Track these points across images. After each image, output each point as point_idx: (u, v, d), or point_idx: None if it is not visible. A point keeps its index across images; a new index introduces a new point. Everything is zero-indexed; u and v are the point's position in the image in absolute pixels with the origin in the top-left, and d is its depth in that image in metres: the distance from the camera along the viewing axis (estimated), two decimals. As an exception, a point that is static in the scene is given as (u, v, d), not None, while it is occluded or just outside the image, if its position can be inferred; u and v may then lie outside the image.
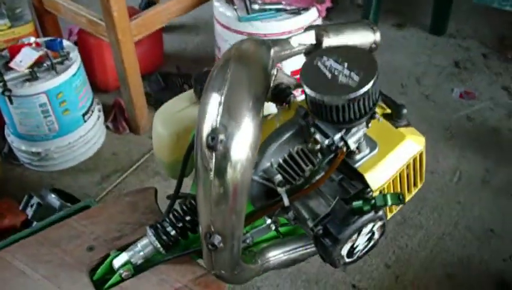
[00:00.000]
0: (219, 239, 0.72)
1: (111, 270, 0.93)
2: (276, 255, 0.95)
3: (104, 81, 2.36)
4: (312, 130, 0.79)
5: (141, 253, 0.91)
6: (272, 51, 0.75)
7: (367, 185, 0.78)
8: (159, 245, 0.90)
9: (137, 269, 0.93)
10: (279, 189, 0.79)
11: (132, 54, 1.99)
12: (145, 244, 0.91)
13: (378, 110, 0.85)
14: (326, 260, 0.78)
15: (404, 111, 0.86)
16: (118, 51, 1.92)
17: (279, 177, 0.79)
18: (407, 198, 0.92)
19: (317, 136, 0.78)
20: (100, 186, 2.01)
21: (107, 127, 2.25)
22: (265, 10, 1.95)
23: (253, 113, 0.66)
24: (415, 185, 0.92)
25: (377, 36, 0.87)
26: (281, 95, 0.84)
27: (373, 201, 0.71)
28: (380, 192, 0.81)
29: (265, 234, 0.90)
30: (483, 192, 2.00)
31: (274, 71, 0.77)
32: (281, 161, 0.83)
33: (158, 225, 0.91)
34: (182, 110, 1.08)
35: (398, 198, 0.70)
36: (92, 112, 2.06)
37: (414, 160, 0.87)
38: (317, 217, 0.76)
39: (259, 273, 0.93)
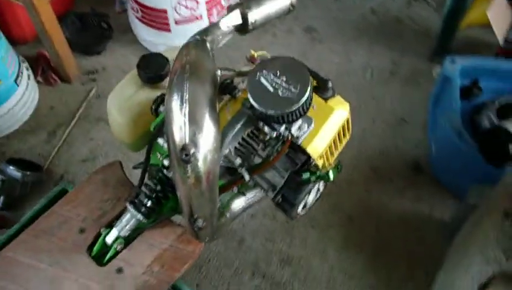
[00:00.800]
0: (201, 221, 0.90)
1: (105, 246, 1.09)
2: (238, 205, 1.18)
3: (20, 33, 2.32)
4: (260, 124, 0.96)
5: (127, 226, 1.08)
6: (208, 45, 0.87)
7: (309, 157, 0.99)
8: (140, 217, 1.06)
9: (127, 239, 1.09)
10: (240, 169, 0.99)
11: (47, 4, 1.96)
12: (129, 219, 1.07)
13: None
14: (287, 217, 1.02)
15: (330, 84, 1.04)
16: (32, 5, 1.90)
17: (238, 160, 0.98)
18: (339, 148, 1.14)
19: (266, 129, 0.96)
20: (50, 144, 2.10)
21: (38, 82, 2.26)
22: None
23: (213, 119, 0.79)
24: (344, 136, 1.14)
25: None
26: (226, 89, 1.00)
27: (318, 173, 0.93)
28: (321, 157, 1.03)
29: (230, 196, 1.12)
30: (392, 84, 2.30)
31: (219, 72, 0.92)
32: (237, 145, 1.01)
33: (135, 200, 1.07)
34: (132, 95, 1.18)
35: (337, 169, 0.92)
36: (22, 73, 2.06)
37: (343, 124, 1.07)
38: (274, 187, 0.98)
39: (229, 224, 1.15)
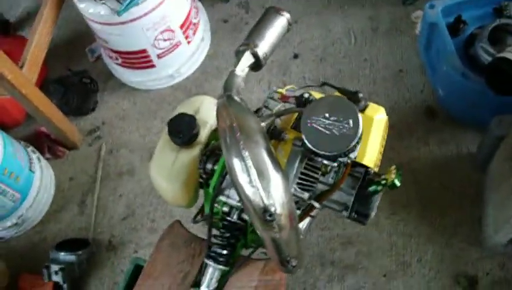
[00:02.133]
0: (294, 260, 0.95)
1: None
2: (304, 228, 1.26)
3: (11, 120, 2.35)
4: (319, 159, 1.03)
5: (213, 280, 1.14)
6: (237, 98, 0.92)
7: (367, 169, 1.07)
8: (222, 267, 1.14)
9: None
10: (311, 202, 1.06)
11: (33, 87, 1.98)
12: (212, 272, 1.14)
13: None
14: (362, 225, 1.10)
15: (361, 95, 1.11)
16: (22, 95, 1.92)
17: (306, 194, 1.06)
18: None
19: (326, 162, 1.02)
20: (84, 215, 2.15)
21: (47, 159, 2.29)
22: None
23: (278, 170, 0.85)
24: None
25: (287, 16, 1.04)
26: (273, 135, 1.07)
27: (384, 182, 1.00)
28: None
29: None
30: (377, 40, 2.36)
31: (263, 124, 0.98)
32: (299, 180, 1.07)
33: (211, 253, 1.14)
34: (175, 161, 1.23)
35: (399, 175, 0.99)
36: (31, 159, 2.09)
37: (384, 128, 1.15)
38: (346, 206, 1.06)
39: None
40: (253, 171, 0.83)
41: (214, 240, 1.15)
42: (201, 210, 1.26)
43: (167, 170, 1.21)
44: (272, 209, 0.84)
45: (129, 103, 2.43)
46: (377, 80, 2.25)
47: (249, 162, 0.83)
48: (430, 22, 1.91)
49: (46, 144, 2.28)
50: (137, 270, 1.42)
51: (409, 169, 1.98)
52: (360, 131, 0.94)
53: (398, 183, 1.00)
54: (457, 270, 1.78)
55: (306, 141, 0.96)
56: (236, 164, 0.84)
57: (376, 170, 1.09)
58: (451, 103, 2.02)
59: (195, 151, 1.19)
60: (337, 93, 1.15)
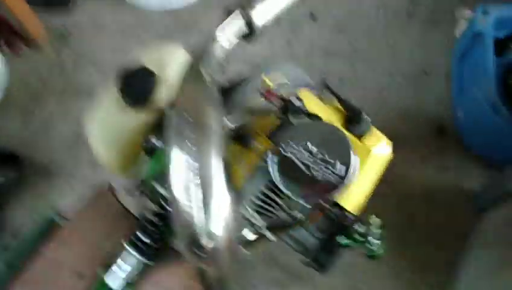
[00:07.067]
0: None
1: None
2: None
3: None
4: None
5: (132, 270, 0.97)
6: (207, 77, 0.70)
7: (346, 214, 0.86)
8: (143, 259, 0.95)
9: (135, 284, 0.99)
10: (265, 233, 0.87)
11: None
12: (132, 263, 0.96)
13: (336, 116, 0.90)
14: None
15: (364, 117, 0.88)
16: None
17: (261, 222, 0.86)
18: None
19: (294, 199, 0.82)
20: (26, 128, 1.95)
21: (1, 52, 2.03)
22: None
23: (227, 188, 0.65)
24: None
25: None
26: (238, 138, 0.86)
27: (360, 239, 0.82)
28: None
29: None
30: (409, 28, 2.10)
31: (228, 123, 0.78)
32: (257, 201, 0.87)
33: (135, 239, 0.95)
34: (117, 124, 1.03)
35: (383, 237, 0.81)
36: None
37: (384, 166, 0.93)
38: (304, 248, 0.88)
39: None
40: (192, 181, 0.64)
41: (144, 224, 0.95)
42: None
43: (105, 130, 1.01)
44: (204, 241, 0.65)
45: (112, 14, 2.14)
46: (395, 74, 2.01)
47: (192, 167, 0.64)
48: (476, 30, 1.66)
49: (4, 33, 2.02)
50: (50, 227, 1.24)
51: (397, 188, 1.80)
52: (348, 182, 0.75)
53: (379, 252, 0.82)
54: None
55: (272, 174, 0.77)
56: (174, 160, 0.65)
57: (357, 213, 0.90)
58: (468, 129, 1.81)
59: (143, 116, 0.96)
60: (335, 104, 0.94)
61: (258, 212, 0.88)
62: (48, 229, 1.13)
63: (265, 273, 1.68)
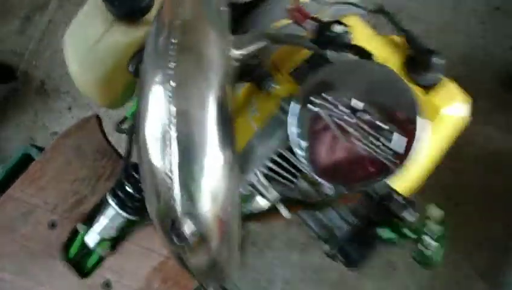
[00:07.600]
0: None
1: (84, 247, 0.87)
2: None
3: None
4: None
5: (112, 225, 0.83)
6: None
7: (393, 195, 0.61)
8: (126, 215, 0.80)
9: (115, 240, 0.87)
10: (278, 205, 0.65)
11: None
12: (113, 216, 0.82)
13: (394, 57, 0.63)
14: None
15: (435, 60, 0.61)
16: None
17: (272, 193, 0.64)
18: None
19: None
20: (24, 35, 1.73)
21: None
22: None
23: (225, 146, 0.47)
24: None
25: None
26: (251, 74, 0.60)
27: (407, 234, 0.57)
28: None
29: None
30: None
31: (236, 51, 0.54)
32: (268, 163, 0.65)
33: (119, 192, 0.78)
34: (100, 39, 0.77)
35: (442, 237, 0.56)
36: None
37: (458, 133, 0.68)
38: (331, 236, 0.65)
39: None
40: (175, 138, 0.44)
41: (129, 171, 0.78)
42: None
43: (84, 51, 0.78)
44: (186, 228, 0.47)
45: None
46: (461, 8, 1.69)
47: (173, 111, 0.45)
48: None
49: None
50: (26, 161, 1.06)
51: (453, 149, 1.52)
52: (407, 162, 0.49)
53: (435, 258, 0.55)
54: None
55: (289, 130, 0.55)
56: (146, 97, 0.47)
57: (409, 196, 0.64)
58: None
59: (135, 32, 0.74)
60: (394, 39, 0.66)
61: (270, 179, 0.67)
62: (22, 166, 1.01)
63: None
